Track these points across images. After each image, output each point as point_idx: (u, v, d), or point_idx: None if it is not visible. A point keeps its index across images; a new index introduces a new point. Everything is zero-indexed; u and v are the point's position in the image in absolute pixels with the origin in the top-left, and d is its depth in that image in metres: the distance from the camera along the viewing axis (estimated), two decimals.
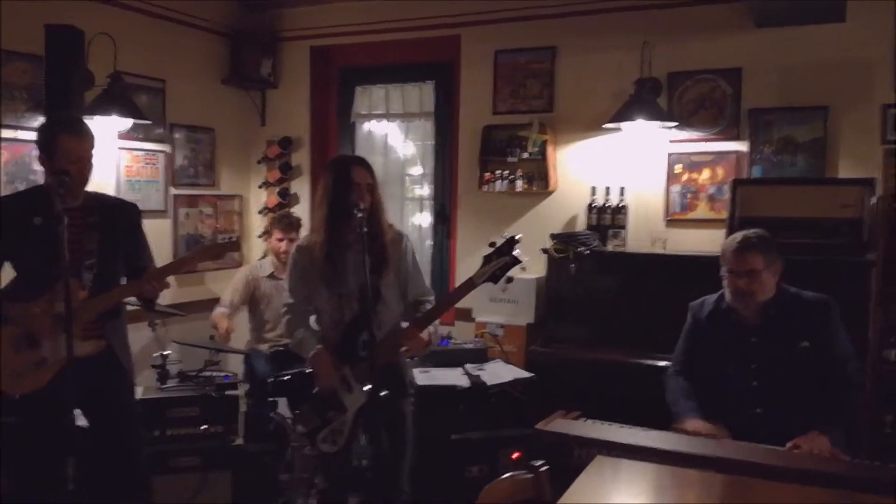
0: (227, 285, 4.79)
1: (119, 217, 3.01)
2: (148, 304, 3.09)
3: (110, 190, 4.41)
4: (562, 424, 2.77)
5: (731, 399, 2.88)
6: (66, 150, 2.81)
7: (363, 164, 3.09)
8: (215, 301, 5.02)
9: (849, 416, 2.80)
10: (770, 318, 2.87)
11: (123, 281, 2.99)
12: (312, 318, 3.21)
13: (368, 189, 2.99)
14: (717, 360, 2.95)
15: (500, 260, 2.82)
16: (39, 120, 3.96)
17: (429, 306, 3.14)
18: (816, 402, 2.75)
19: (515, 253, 2.82)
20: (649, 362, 3.77)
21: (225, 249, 3.02)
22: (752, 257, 2.81)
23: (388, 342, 3.00)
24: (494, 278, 2.85)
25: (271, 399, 3.90)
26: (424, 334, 2.98)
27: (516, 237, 2.85)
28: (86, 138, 2.89)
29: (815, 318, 2.84)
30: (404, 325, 3.13)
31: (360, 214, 2.84)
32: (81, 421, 2.87)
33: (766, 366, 2.85)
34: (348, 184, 2.96)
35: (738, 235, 2.90)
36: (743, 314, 2.91)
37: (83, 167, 2.85)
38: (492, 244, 2.87)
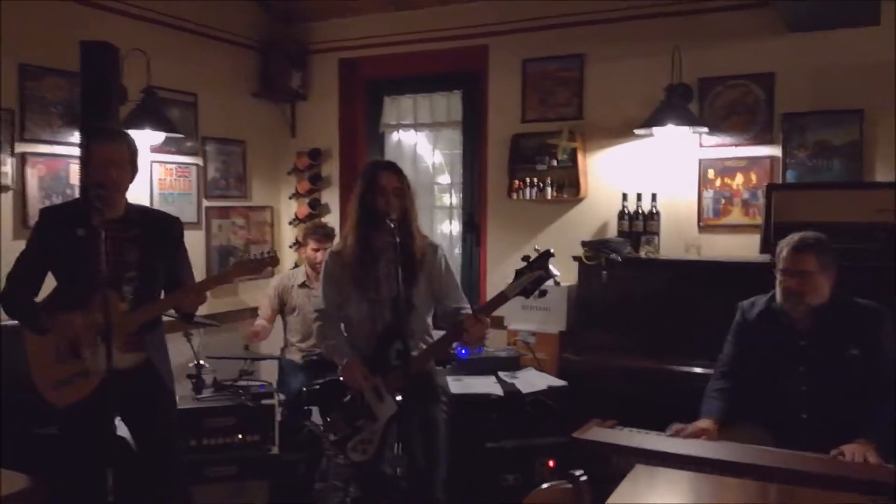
0: (260, 295, 4.84)
1: (161, 231, 3.01)
2: (186, 318, 3.11)
3: (145, 203, 4.46)
4: (599, 433, 2.74)
5: (778, 402, 2.84)
6: (98, 156, 2.84)
7: (391, 167, 3.09)
8: (248, 311, 5.08)
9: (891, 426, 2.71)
10: (821, 323, 2.83)
11: (163, 294, 3.02)
12: (342, 326, 3.21)
13: (396, 193, 2.98)
14: (765, 361, 2.92)
15: (534, 274, 2.79)
16: (75, 135, 4.04)
17: (463, 315, 3.13)
18: (863, 411, 2.69)
19: (550, 268, 2.80)
20: (684, 369, 3.74)
21: (264, 264, 3.00)
22: (807, 258, 2.79)
23: (422, 353, 3.01)
24: (526, 292, 2.83)
25: (305, 408, 3.95)
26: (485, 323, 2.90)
27: (551, 251, 2.83)
28: (117, 143, 2.89)
29: (867, 326, 2.80)
30: (437, 333, 3.13)
31: (391, 224, 2.85)
32: (121, 431, 2.91)
33: (815, 370, 2.81)
34: (375, 189, 2.97)
35: (796, 235, 2.89)
36: (793, 316, 2.86)
37: (118, 174, 2.84)
38: (525, 258, 2.84)
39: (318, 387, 3.77)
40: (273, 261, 3.00)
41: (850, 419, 2.67)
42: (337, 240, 4.41)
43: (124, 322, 2.77)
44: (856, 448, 2.53)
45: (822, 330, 2.83)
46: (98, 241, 2.58)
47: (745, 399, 2.92)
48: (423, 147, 5.51)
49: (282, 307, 4.68)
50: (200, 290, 2.94)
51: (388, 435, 2.97)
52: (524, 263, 2.83)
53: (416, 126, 5.47)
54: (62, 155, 4.17)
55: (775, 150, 4.18)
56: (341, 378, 3.02)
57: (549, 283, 2.85)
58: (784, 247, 2.87)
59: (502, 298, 2.87)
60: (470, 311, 3.03)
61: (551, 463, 3.60)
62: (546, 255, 2.81)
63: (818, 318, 2.83)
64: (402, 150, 5.54)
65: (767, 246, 3.68)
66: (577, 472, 2.14)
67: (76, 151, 4.00)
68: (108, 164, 2.83)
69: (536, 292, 2.84)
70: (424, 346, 3.06)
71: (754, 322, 2.98)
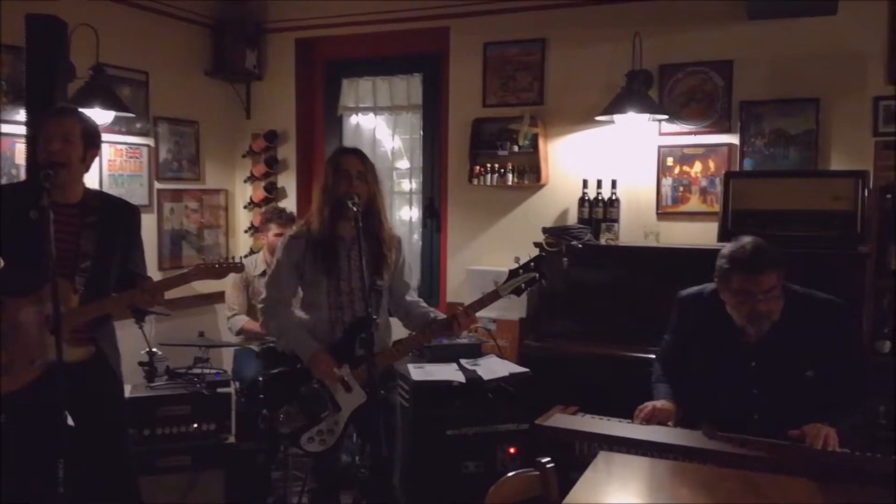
0: (213, 283, 4.71)
1: (119, 218, 2.90)
2: (138, 314, 3.00)
3: (93, 185, 4.30)
4: (561, 420, 2.74)
5: (726, 406, 2.69)
6: (45, 132, 2.71)
7: (355, 152, 3.05)
8: (201, 298, 4.95)
9: (851, 417, 2.66)
10: (774, 337, 2.61)
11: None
12: (299, 314, 3.12)
13: (359, 177, 2.93)
14: (711, 373, 2.73)
15: (528, 275, 2.92)
16: (21, 113, 3.87)
17: (424, 306, 3.14)
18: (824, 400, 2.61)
19: (543, 271, 2.96)
20: (643, 356, 3.75)
21: (227, 270, 2.91)
22: (770, 274, 2.50)
23: (398, 345, 3.03)
24: (518, 291, 2.96)
25: (261, 396, 3.87)
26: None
27: (543, 254, 3.10)
28: (66, 118, 2.77)
29: (827, 329, 2.61)
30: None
31: (354, 207, 2.80)
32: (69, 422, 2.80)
33: (767, 393, 2.65)
34: (339, 173, 2.93)
35: (745, 251, 2.54)
36: (744, 331, 2.64)
37: (66, 150, 2.70)
38: (517, 259, 2.99)
39: (275, 375, 3.71)
40: (238, 268, 2.92)
41: (807, 415, 2.55)
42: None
43: (74, 315, 2.66)
44: (816, 430, 2.46)
45: (776, 346, 2.61)
46: (47, 223, 2.46)
47: (687, 393, 2.80)
48: (382, 131, 5.43)
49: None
50: (158, 291, 2.82)
51: (348, 425, 2.93)
52: (512, 260, 3.01)
53: (376, 109, 5.39)
54: (8, 134, 3.99)
55: (733, 138, 4.22)
56: (311, 370, 2.91)
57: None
58: (735, 267, 2.54)
59: (494, 296, 2.95)
60: (425, 305, 3.13)
61: (512, 450, 3.59)
62: (541, 259, 2.98)
63: (771, 330, 2.62)
64: (361, 134, 5.46)
65: (725, 233, 3.71)
66: (544, 460, 2.12)
67: (22, 130, 3.84)
68: (54, 139, 2.70)
69: (526, 290, 2.98)
70: (380, 334, 3.02)
71: (697, 325, 2.78)
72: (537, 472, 2.11)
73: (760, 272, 2.50)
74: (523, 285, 2.94)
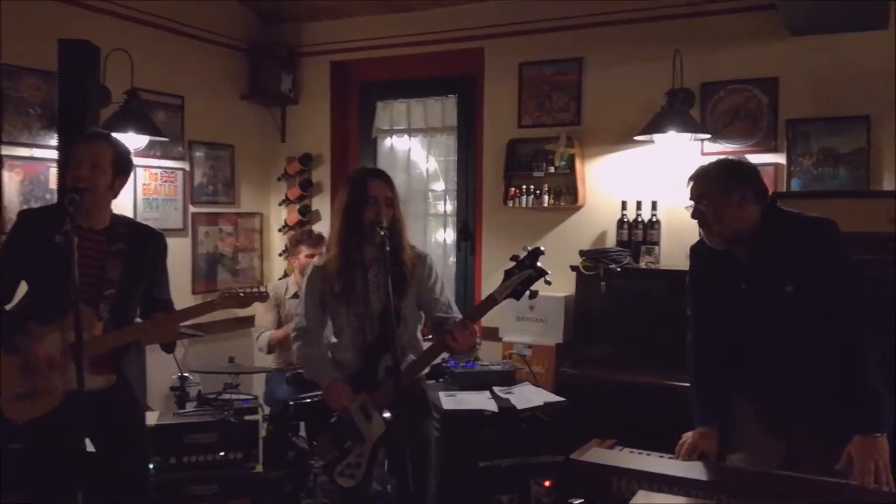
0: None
1: (146, 246, 2.85)
2: (167, 348, 2.96)
3: (127, 208, 4.32)
4: (597, 454, 2.59)
5: (741, 357, 2.59)
6: (75, 157, 2.69)
7: (382, 176, 2.94)
8: (234, 322, 4.91)
9: (881, 393, 2.36)
10: (758, 256, 2.52)
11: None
12: (328, 341, 3.05)
13: (387, 203, 2.84)
14: (717, 311, 2.64)
15: (523, 273, 2.59)
16: (55, 137, 3.89)
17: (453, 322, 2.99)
18: (828, 362, 2.42)
19: (540, 265, 2.60)
20: (685, 384, 3.58)
21: (252, 299, 2.81)
22: (705, 183, 2.53)
23: (410, 366, 2.86)
24: (517, 294, 2.61)
25: (292, 423, 3.80)
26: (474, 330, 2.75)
27: (541, 248, 2.63)
28: (95, 143, 2.73)
29: (811, 248, 2.46)
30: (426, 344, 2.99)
31: (382, 232, 2.72)
32: (90, 447, 2.76)
33: (758, 318, 2.54)
34: (365, 198, 2.81)
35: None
36: (736, 254, 2.55)
37: (94, 175, 2.66)
38: (514, 258, 2.65)
39: (305, 401, 3.64)
40: (262, 297, 2.82)
41: (814, 370, 2.43)
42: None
43: (96, 343, 2.61)
44: (863, 451, 2.27)
45: (760, 265, 2.52)
46: (71, 249, 2.42)
47: (715, 359, 2.67)
48: (416, 153, 5.37)
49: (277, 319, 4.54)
50: (172, 324, 2.76)
51: (376, 455, 2.82)
52: (511, 259, 2.64)
53: (410, 131, 5.34)
54: (41, 158, 4.03)
55: (779, 158, 4.06)
56: (327, 400, 2.83)
57: (542, 285, 2.64)
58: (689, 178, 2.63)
59: (491, 302, 2.67)
60: (450, 320, 2.88)
61: (547, 483, 3.45)
62: (536, 253, 2.61)
63: (754, 250, 2.53)
64: (395, 156, 5.41)
65: None
66: (577, 502, 1.99)
67: (55, 155, 3.86)
68: (83, 165, 2.67)
69: (527, 294, 2.62)
70: (405, 356, 2.92)
71: (704, 266, 2.69)
72: None
73: (693, 179, 2.59)
74: (520, 286, 2.59)
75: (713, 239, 2.58)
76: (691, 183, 2.61)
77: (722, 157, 2.69)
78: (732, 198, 2.49)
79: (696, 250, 2.75)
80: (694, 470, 2.45)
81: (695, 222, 4.18)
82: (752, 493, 2.27)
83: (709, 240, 2.59)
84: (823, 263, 2.46)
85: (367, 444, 2.77)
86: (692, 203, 2.60)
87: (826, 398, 2.43)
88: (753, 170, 2.61)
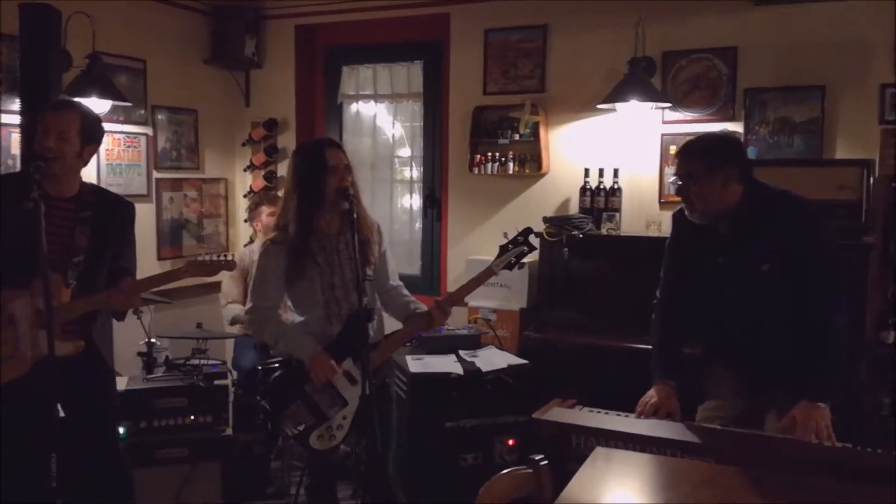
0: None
1: (114, 214, 2.85)
2: (116, 316, 2.94)
3: (91, 175, 4.29)
4: (559, 413, 2.70)
5: (716, 324, 2.72)
6: (44, 125, 2.67)
7: (335, 145, 2.96)
8: (201, 287, 4.91)
9: (838, 367, 2.54)
10: (738, 232, 2.60)
11: None
12: (286, 317, 3.10)
13: (347, 170, 2.87)
14: (696, 281, 2.75)
15: (518, 249, 2.93)
16: (16, 102, 3.83)
17: (405, 293, 3.10)
18: (800, 335, 2.55)
19: (531, 242, 2.98)
20: (645, 347, 3.69)
21: (219, 267, 2.82)
22: (690, 161, 2.58)
23: (390, 342, 3.00)
24: (511, 266, 2.96)
25: (261, 387, 3.85)
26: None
27: (531, 229, 3.03)
28: (63, 112, 2.71)
29: (790, 226, 2.53)
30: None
31: (350, 200, 2.76)
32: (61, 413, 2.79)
33: (733, 292, 2.64)
34: (324, 168, 2.83)
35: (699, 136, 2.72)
36: (717, 227, 2.64)
37: (60, 144, 2.65)
38: (505, 234, 3.00)
39: (273, 366, 3.68)
40: (230, 265, 2.84)
41: (788, 343, 2.54)
42: None
43: (63, 310, 2.62)
44: (806, 412, 2.43)
45: (738, 240, 2.60)
46: (38, 216, 2.42)
47: (686, 319, 2.81)
48: (382, 119, 5.38)
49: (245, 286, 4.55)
50: (135, 291, 2.77)
51: (357, 418, 2.88)
52: (502, 240, 3.00)
53: (376, 97, 5.33)
54: (4, 123, 3.97)
55: (737, 126, 4.14)
56: (312, 373, 2.84)
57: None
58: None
59: (488, 273, 2.97)
60: (407, 293, 3.10)
61: (511, 442, 3.56)
62: (528, 232, 2.98)
63: (733, 226, 2.60)
64: (362, 122, 5.41)
65: None
66: (538, 457, 2.09)
67: (18, 120, 3.80)
68: (50, 134, 2.66)
69: (517, 265, 2.98)
70: (379, 323, 3.04)
71: (686, 235, 2.76)
72: (530, 470, 2.07)
73: (679, 155, 2.63)
74: (513, 259, 2.94)
75: (695, 216, 2.64)
76: (678, 158, 2.65)
77: (710, 132, 2.76)
78: (717, 180, 2.54)
79: (678, 218, 2.81)
80: (649, 427, 2.57)
81: (654, 190, 4.35)
82: (703, 448, 2.40)
83: (690, 216, 2.66)
84: (802, 242, 2.54)
85: (351, 407, 2.86)
86: (676, 177, 2.66)
87: (794, 369, 2.54)
88: (739, 148, 2.69)
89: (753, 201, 2.58)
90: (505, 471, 2.08)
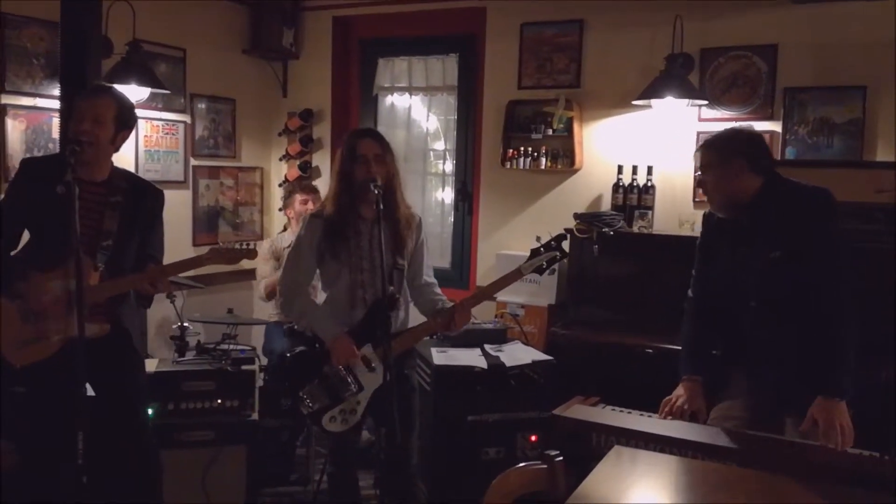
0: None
1: (144, 200, 2.91)
2: (142, 301, 3.00)
3: (129, 161, 4.37)
4: (580, 411, 2.69)
5: (733, 318, 2.70)
6: (78, 111, 2.73)
7: (371, 134, 3.00)
8: (235, 273, 4.98)
9: (847, 362, 2.48)
10: (755, 223, 2.61)
11: None
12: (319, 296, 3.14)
13: (377, 160, 2.89)
14: (721, 274, 2.75)
15: (550, 253, 2.91)
16: (57, 88, 3.92)
17: (437, 292, 3.11)
18: (810, 330, 2.51)
19: (564, 248, 2.96)
20: (673, 347, 3.66)
21: (240, 255, 2.88)
22: (706, 153, 2.66)
23: (411, 334, 3.00)
24: (541, 270, 2.94)
25: (285, 374, 3.89)
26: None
27: (565, 233, 3.04)
28: (99, 97, 2.77)
29: (802, 215, 2.55)
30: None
31: (376, 190, 2.78)
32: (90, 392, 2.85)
33: (748, 281, 2.63)
34: (355, 157, 2.89)
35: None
36: (741, 221, 2.65)
37: (96, 129, 2.71)
38: (538, 238, 3.02)
39: (301, 352, 3.71)
40: (251, 254, 2.89)
41: (806, 338, 2.51)
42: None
43: (90, 292, 2.68)
44: (826, 412, 2.40)
45: (757, 231, 2.60)
46: (72, 199, 2.48)
47: (714, 318, 2.79)
48: (417, 111, 5.39)
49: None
50: (162, 276, 2.82)
51: (373, 403, 2.92)
52: (532, 235, 3.18)
53: (411, 89, 5.34)
54: (44, 108, 4.07)
55: (775, 126, 4.08)
56: (332, 354, 2.89)
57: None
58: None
59: (517, 274, 2.94)
60: (438, 291, 3.10)
61: (533, 437, 3.55)
62: (561, 238, 2.95)
63: (753, 218, 2.61)
64: (396, 114, 5.43)
65: None
66: (553, 453, 2.08)
67: (58, 105, 3.89)
68: (85, 119, 2.72)
69: (548, 270, 2.96)
70: (403, 313, 3.06)
71: (714, 231, 2.79)
72: (545, 466, 2.07)
73: (699, 149, 2.72)
74: (544, 264, 2.92)
75: (714, 207, 2.73)
76: (699, 153, 2.73)
77: (730, 127, 2.77)
78: (729, 169, 2.60)
79: (707, 216, 2.87)
80: (671, 428, 2.55)
81: (688, 188, 4.30)
82: (727, 451, 2.37)
83: (711, 208, 2.75)
84: (812, 231, 2.53)
85: (367, 392, 2.89)
86: (698, 172, 2.75)
87: (807, 366, 2.51)
88: (754, 140, 2.69)
89: (772, 193, 2.59)
90: (519, 465, 2.07)
